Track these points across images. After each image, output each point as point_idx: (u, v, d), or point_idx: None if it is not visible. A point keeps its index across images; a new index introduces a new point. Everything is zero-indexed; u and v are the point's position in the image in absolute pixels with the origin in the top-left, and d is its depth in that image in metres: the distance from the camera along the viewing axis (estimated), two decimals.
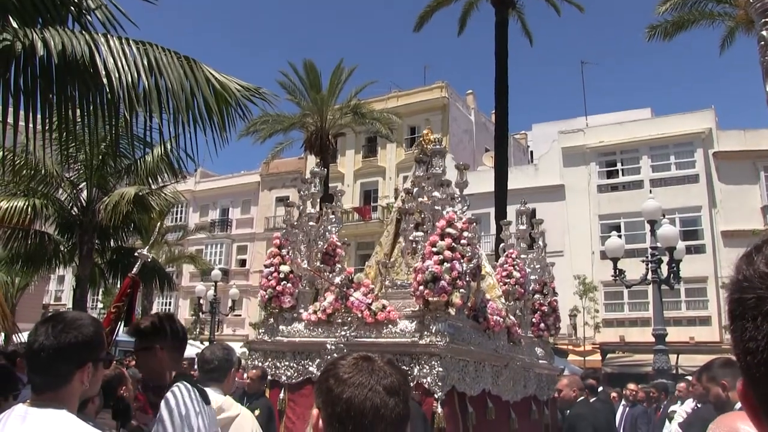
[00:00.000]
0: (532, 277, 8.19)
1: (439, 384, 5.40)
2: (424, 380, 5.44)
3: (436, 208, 6.07)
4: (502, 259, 7.84)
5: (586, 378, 8.94)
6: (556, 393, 7.07)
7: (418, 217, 6.57)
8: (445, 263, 5.60)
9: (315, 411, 1.53)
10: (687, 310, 28.86)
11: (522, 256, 8.10)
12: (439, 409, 5.32)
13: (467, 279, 6.04)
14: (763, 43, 2.50)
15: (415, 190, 6.78)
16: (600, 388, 9.37)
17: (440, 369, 5.42)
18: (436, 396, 5.37)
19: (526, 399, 7.27)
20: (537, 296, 8.23)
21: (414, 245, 6.50)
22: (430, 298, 5.62)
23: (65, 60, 4.57)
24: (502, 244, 8.21)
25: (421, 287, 5.65)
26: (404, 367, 5.49)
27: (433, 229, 5.92)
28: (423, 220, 6.47)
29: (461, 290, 5.74)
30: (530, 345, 7.97)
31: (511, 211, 18.83)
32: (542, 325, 8.20)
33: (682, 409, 8.56)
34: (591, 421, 6.58)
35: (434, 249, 5.69)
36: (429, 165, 6.50)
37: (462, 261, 5.80)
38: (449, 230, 5.74)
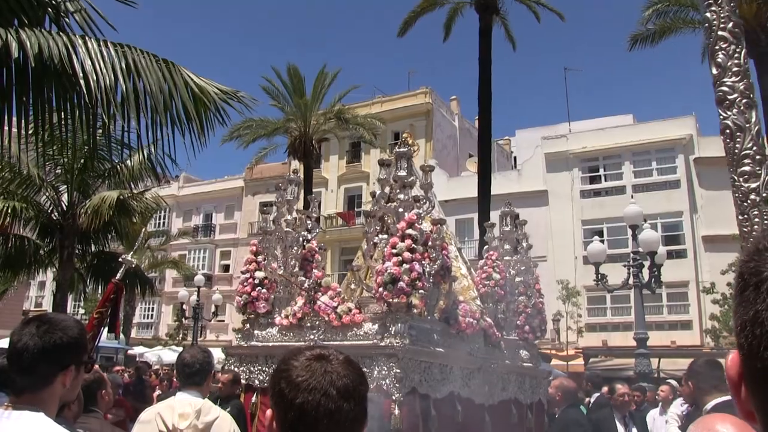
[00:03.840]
0: (517, 279, 8.19)
1: (397, 385, 5.42)
2: (383, 382, 5.47)
3: (400, 210, 6.10)
4: (482, 261, 7.85)
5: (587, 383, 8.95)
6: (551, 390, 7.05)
7: (389, 219, 6.59)
8: (404, 264, 5.62)
9: (269, 412, 1.49)
10: (668, 314, 29.06)
11: (506, 257, 8.11)
12: (397, 411, 5.32)
13: (431, 280, 6.07)
14: (707, 25, 2.54)
15: (378, 192, 6.81)
16: (597, 393, 9.36)
17: (398, 370, 5.43)
18: (394, 397, 5.38)
19: (504, 402, 7.25)
20: (521, 298, 8.22)
21: (380, 249, 6.54)
22: (389, 300, 5.65)
23: (42, 62, 4.53)
24: (485, 246, 8.22)
25: (381, 289, 5.69)
26: (365, 369, 5.51)
27: (395, 231, 5.96)
28: (388, 223, 6.50)
29: (421, 291, 5.76)
30: (514, 347, 7.94)
31: (495, 216, 18.88)
32: (527, 327, 8.18)
33: (672, 412, 8.55)
34: (585, 428, 6.60)
35: (394, 251, 5.72)
36: (395, 168, 6.52)
37: (424, 262, 5.83)
38: (409, 231, 5.77)
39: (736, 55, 2.46)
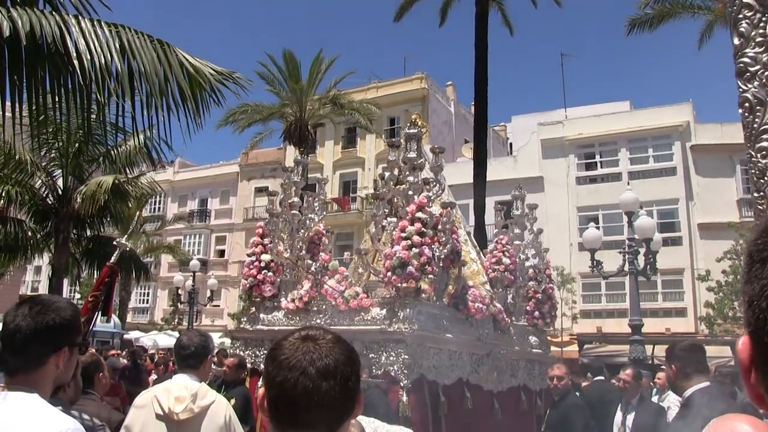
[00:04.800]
0: (527, 264, 8.10)
1: (405, 372, 5.35)
2: (391, 368, 5.39)
3: (410, 193, 6.00)
4: (491, 245, 7.77)
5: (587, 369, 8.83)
6: (556, 380, 6.81)
7: (399, 202, 6.51)
8: (414, 248, 5.54)
9: (261, 390, 1.51)
10: (663, 301, 29.16)
11: (516, 242, 8.02)
12: (405, 398, 5.25)
13: (441, 265, 5.99)
14: None
15: (386, 174, 6.73)
16: (599, 378, 9.35)
17: (406, 356, 5.36)
18: (402, 384, 5.31)
19: (513, 389, 7.17)
20: (531, 283, 8.13)
21: (388, 232, 6.46)
22: (398, 284, 5.58)
23: (34, 41, 4.46)
24: (495, 230, 8.15)
25: (389, 273, 5.62)
26: (372, 354, 5.47)
27: (405, 214, 5.87)
28: (396, 206, 6.42)
29: (430, 276, 5.68)
30: (523, 333, 7.84)
31: (490, 202, 18.85)
32: (537, 313, 8.09)
33: (675, 398, 8.52)
34: (585, 412, 6.59)
35: (403, 234, 5.64)
36: (405, 150, 6.43)
37: (433, 246, 5.76)
38: (419, 215, 5.69)
39: (761, 24, 2.37)
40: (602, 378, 9.21)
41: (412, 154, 6.22)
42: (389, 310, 5.75)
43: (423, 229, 5.65)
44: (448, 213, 6.22)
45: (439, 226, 6.03)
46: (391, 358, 5.41)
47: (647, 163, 31.16)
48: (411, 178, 6.08)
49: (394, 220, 6.26)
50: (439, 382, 5.77)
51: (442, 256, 6.01)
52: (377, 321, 5.79)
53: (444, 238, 6.05)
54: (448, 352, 5.99)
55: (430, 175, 6.41)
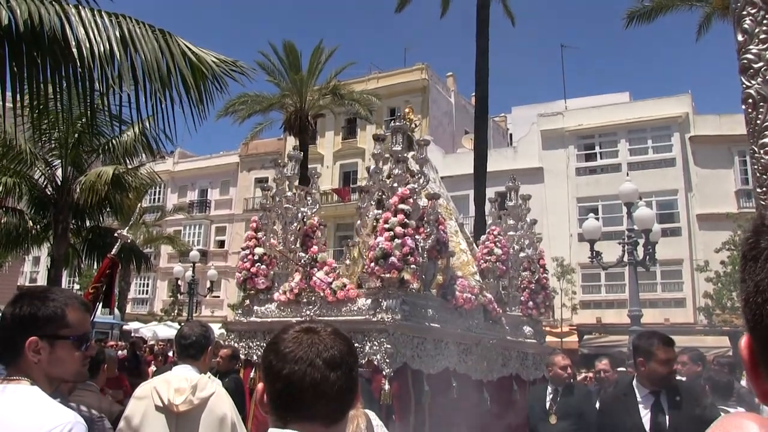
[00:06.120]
0: (521, 255, 8.14)
1: (388, 361, 5.43)
2: (374, 357, 5.48)
3: (394, 185, 6.09)
4: (484, 237, 7.82)
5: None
6: (570, 370, 6.64)
7: (386, 195, 6.58)
8: (396, 239, 5.63)
9: (260, 385, 1.52)
10: (662, 291, 29.17)
11: (510, 233, 8.08)
12: (387, 386, 5.33)
13: (425, 255, 6.07)
14: None
15: (371, 167, 6.81)
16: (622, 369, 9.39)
17: (388, 346, 5.44)
18: (384, 373, 5.39)
19: (505, 379, 7.22)
20: (525, 273, 8.18)
21: (374, 223, 6.56)
22: (381, 275, 5.67)
23: (33, 30, 4.44)
24: (489, 222, 8.20)
25: (373, 264, 5.71)
26: (357, 344, 5.55)
27: (389, 206, 5.97)
28: (382, 198, 6.51)
29: (413, 266, 5.77)
30: (517, 323, 7.90)
31: (491, 193, 18.84)
32: (531, 303, 8.14)
33: None
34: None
35: (386, 226, 5.73)
36: (392, 142, 6.50)
37: (417, 237, 5.83)
38: (402, 206, 5.77)
39: (765, 21, 2.37)
40: (624, 369, 9.23)
41: (398, 147, 6.28)
42: (374, 300, 5.85)
43: (406, 220, 5.72)
44: (433, 204, 6.29)
45: (425, 218, 6.11)
46: (375, 348, 5.50)
47: (647, 154, 31.13)
48: (396, 171, 6.16)
49: (380, 212, 6.34)
50: (424, 371, 5.83)
51: (427, 247, 6.09)
52: (363, 311, 5.89)
53: (429, 229, 6.12)
54: (433, 341, 6.06)
55: (416, 167, 6.48)
